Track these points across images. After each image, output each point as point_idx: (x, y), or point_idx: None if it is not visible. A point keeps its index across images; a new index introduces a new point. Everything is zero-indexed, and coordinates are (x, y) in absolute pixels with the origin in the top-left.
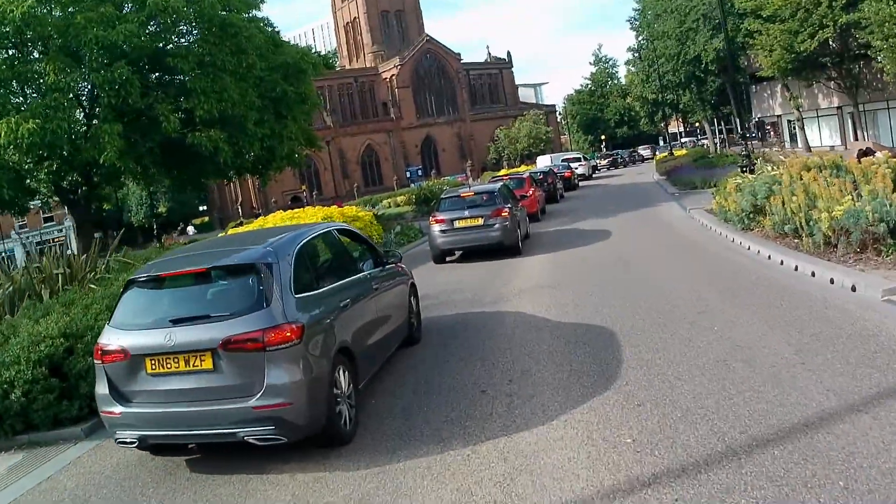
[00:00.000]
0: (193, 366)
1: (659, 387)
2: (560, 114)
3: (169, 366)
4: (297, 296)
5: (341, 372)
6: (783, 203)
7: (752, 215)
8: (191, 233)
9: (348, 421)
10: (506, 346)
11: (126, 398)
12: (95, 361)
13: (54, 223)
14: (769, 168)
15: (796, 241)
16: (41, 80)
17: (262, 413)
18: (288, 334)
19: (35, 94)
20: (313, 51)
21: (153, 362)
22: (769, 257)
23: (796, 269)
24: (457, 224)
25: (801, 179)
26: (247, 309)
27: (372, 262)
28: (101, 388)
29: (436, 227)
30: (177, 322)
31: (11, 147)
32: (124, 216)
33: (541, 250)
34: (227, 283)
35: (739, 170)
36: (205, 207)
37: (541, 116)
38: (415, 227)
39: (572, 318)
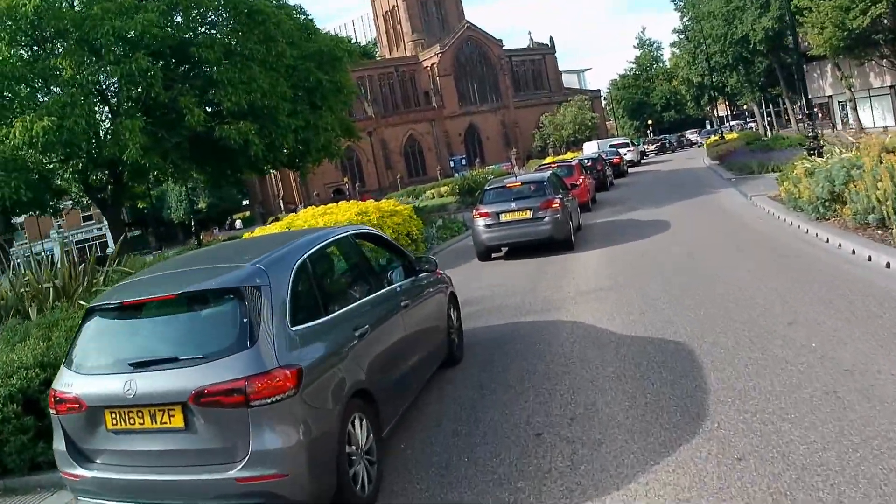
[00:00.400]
0: (161, 423)
1: (760, 431)
2: (605, 99)
3: (132, 421)
4: (294, 328)
5: (357, 423)
6: (866, 190)
7: (827, 203)
8: (238, 226)
9: (366, 483)
10: (563, 369)
11: (87, 458)
12: (50, 411)
13: (93, 222)
14: (837, 150)
15: (880, 231)
16: (59, 76)
17: (249, 487)
18: (280, 383)
19: (55, 92)
20: (353, 42)
21: (113, 416)
22: (853, 252)
23: (888, 266)
24: (503, 218)
25: (882, 163)
26: (226, 349)
27: (401, 272)
28: (59, 444)
29: (480, 222)
30: (138, 366)
31: (27, 147)
32: (164, 213)
33: (595, 244)
34: (202, 315)
35: (806, 153)
36: (247, 202)
37: (586, 102)
38: (458, 221)
39: (640, 331)
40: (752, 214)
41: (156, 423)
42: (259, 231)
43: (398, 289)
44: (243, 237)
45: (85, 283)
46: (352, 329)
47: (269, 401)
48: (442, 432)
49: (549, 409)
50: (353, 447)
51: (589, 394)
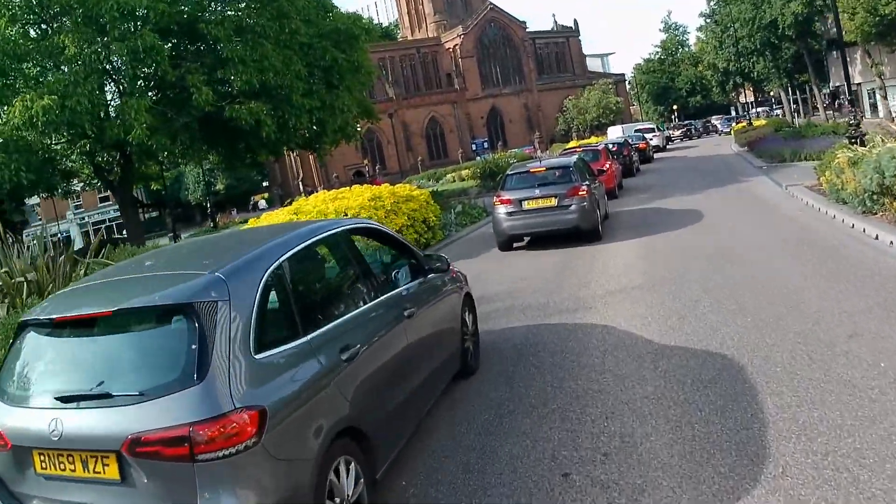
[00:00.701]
0: (94, 472)
1: (834, 482)
2: (629, 83)
3: (63, 467)
4: (260, 355)
5: (342, 469)
6: None
7: (875, 196)
8: (262, 206)
9: None
10: (594, 387)
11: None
12: None
13: (111, 203)
14: (880, 140)
15: None
16: (62, 55)
17: None
18: (235, 430)
19: (58, 70)
20: (374, 22)
21: (42, 459)
22: None
23: None
24: (526, 205)
25: None
26: (169, 384)
27: (406, 272)
28: None
29: (501, 209)
30: (66, 400)
31: (27, 127)
32: (181, 194)
33: (624, 235)
34: (142, 338)
35: (848, 141)
36: (266, 184)
37: (610, 86)
38: (478, 207)
39: (680, 340)
40: (790, 206)
41: (88, 471)
42: (264, 218)
43: (403, 293)
44: (247, 224)
45: (62, 278)
46: (338, 351)
47: (221, 454)
48: (451, 466)
49: (579, 440)
50: (338, 500)
51: (625, 420)
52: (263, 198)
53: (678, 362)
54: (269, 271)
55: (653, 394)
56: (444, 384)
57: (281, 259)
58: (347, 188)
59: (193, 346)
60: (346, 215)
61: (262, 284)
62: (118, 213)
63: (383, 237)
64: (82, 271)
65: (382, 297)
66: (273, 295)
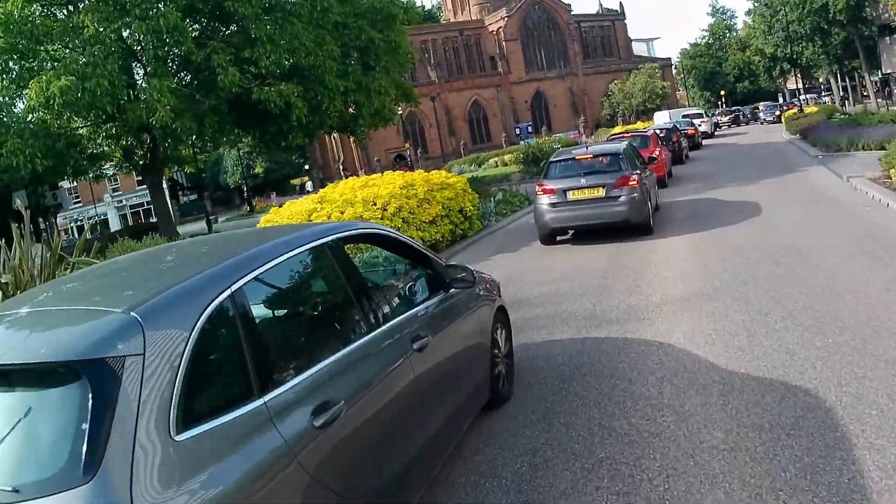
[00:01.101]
0: None
1: None
2: (675, 68)
3: None
4: (182, 437)
5: None
6: None
7: None
8: (309, 188)
9: None
10: (652, 429)
11: None
12: None
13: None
14: None
15: None
16: (81, 34)
17: None
18: None
19: (79, 51)
20: (417, 5)
21: None
22: None
23: None
24: (570, 196)
25: None
26: (49, 481)
27: (421, 289)
28: None
29: (544, 200)
30: None
31: (42, 108)
32: (220, 177)
33: (677, 230)
34: (22, 410)
35: None
36: (308, 167)
37: (656, 70)
38: (520, 195)
39: (751, 366)
40: (854, 199)
41: None
42: (286, 208)
43: (413, 318)
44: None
45: (45, 279)
46: (310, 414)
47: None
48: None
49: None
50: None
51: (691, 482)
52: (307, 180)
53: (751, 398)
54: (212, 306)
55: (723, 443)
56: (469, 422)
57: (232, 288)
58: (380, 175)
59: (84, 426)
60: (375, 207)
61: (198, 327)
62: None
63: (392, 244)
64: (69, 269)
65: (383, 328)
66: (216, 340)
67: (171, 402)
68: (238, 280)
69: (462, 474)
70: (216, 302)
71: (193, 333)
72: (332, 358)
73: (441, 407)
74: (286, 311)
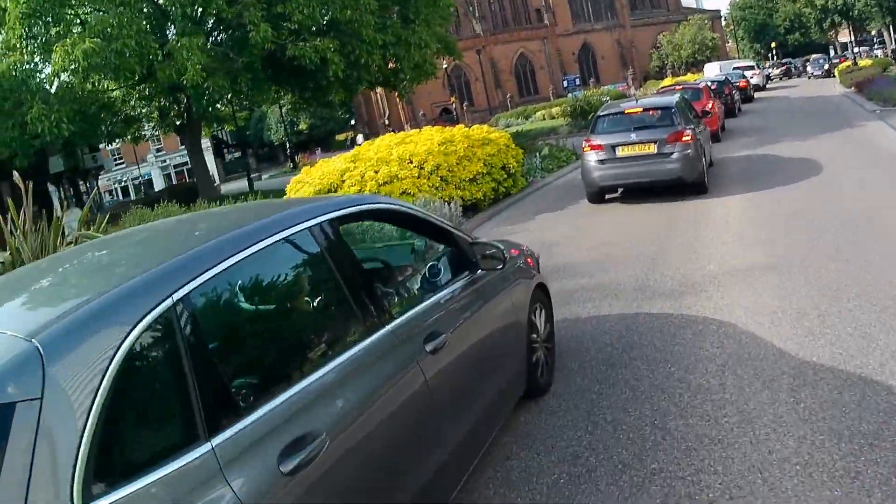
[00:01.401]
0: None
1: None
2: (724, 20)
3: None
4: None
5: None
6: None
7: None
8: (360, 141)
9: None
10: (712, 433)
11: None
12: None
13: None
14: None
15: None
16: None
17: None
18: None
19: (106, 11)
20: None
21: None
22: None
23: None
24: (619, 152)
25: None
26: None
27: (439, 273)
28: None
29: (591, 156)
30: None
31: (67, 72)
32: (264, 135)
33: (733, 188)
34: None
35: None
36: (353, 122)
37: (705, 22)
38: (567, 149)
39: (824, 353)
40: None
41: None
42: (318, 166)
43: (425, 312)
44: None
45: (46, 252)
46: (277, 456)
47: None
48: None
49: None
50: None
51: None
52: (358, 134)
53: (826, 395)
54: (143, 323)
55: (795, 454)
56: (500, 425)
57: (175, 296)
58: (417, 130)
59: None
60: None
61: (121, 353)
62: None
63: (404, 220)
64: (74, 241)
65: (385, 329)
66: (149, 368)
67: (76, 460)
68: (184, 284)
69: (490, 483)
70: (150, 316)
71: (114, 363)
72: (312, 378)
73: (464, 416)
74: (250, 321)
